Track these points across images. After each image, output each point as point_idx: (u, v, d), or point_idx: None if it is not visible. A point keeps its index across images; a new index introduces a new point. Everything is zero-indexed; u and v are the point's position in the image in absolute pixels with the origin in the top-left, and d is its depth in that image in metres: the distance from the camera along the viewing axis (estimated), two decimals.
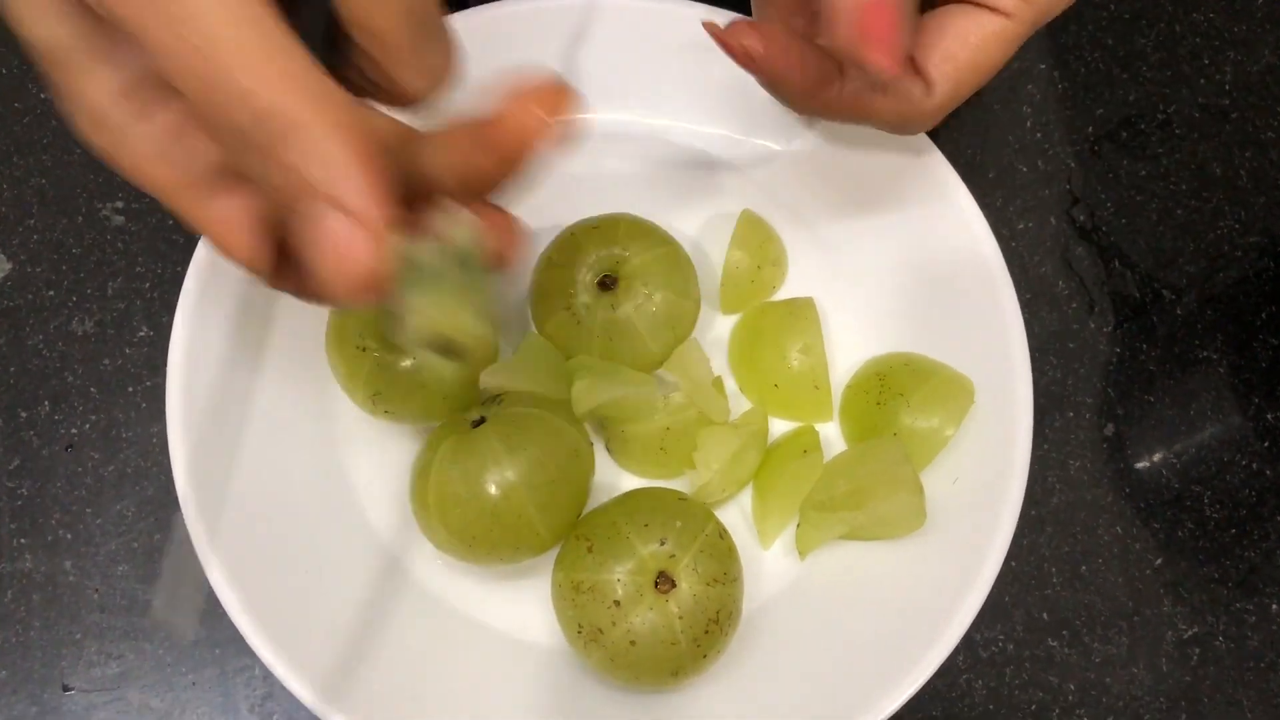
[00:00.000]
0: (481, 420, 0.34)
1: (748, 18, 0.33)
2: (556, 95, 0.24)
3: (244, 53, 0.19)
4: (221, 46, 0.19)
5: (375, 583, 0.36)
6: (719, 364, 0.39)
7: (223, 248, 0.24)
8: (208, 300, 0.36)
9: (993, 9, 0.31)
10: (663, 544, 0.32)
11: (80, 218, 0.43)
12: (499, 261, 0.26)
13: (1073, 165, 0.46)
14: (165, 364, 0.35)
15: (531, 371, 0.35)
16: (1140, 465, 0.42)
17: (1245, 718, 0.39)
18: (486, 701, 0.34)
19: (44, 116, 0.45)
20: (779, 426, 0.39)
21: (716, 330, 0.40)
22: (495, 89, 0.24)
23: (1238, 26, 0.49)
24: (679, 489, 0.36)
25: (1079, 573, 0.40)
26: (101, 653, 0.38)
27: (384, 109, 0.26)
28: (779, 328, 0.38)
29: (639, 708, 0.34)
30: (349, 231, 0.20)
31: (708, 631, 0.32)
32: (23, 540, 0.39)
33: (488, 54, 0.40)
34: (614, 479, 0.38)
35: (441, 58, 0.25)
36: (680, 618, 0.32)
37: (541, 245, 0.38)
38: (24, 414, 0.41)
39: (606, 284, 0.36)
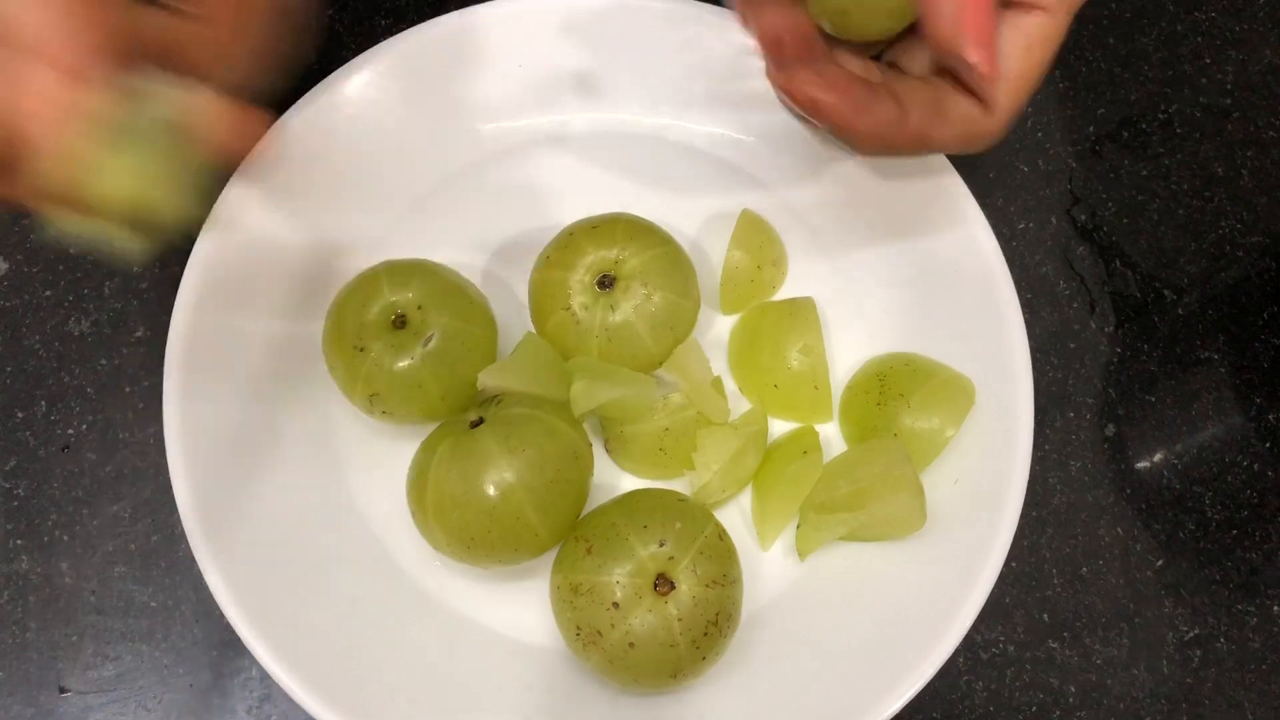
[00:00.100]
0: (480, 421, 0.34)
1: (805, 65, 0.31)
2: None
3: None
4: None
5: (373, 584, 0.36)
6: (719, 364, 0.39)
7: None
8: (205, 301, 0.36)
9: (1030, 6, 0.30)
10: (662, 545, 0.32)
11: None
12: (219, 150, 0.26)
13: (1074, 165, 0.46)
14: (163, 365, 0.35)
15: (530, 372, 0.35)
16: (1141, 466, 0.42)
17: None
18: (484, 703, 0.34)
19: None
20: (779, 427, 0.39)
21: (716, 330, 0.40)
22: None
23: (1239, 26, 0.49)
24: (678, 490, 0.36)
25: (1080, 574, 0.40)
26: (98, 654, 0.38)
27: None
28: (779, 328, 0.38)
29: (638, 710, 0.34)
30: (51, 75, 0.21)
31: (707, 633, 0.32)
32: (19, 541, 0.39)
33: (487, 53, 0.41)
34: (613, 480, 0.38)
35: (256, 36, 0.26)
36: (679, 619, 0.31)
37: (541, 245, 0.38)
38: (20, 414, 0.41)
39: (605, 284, 0.36)
